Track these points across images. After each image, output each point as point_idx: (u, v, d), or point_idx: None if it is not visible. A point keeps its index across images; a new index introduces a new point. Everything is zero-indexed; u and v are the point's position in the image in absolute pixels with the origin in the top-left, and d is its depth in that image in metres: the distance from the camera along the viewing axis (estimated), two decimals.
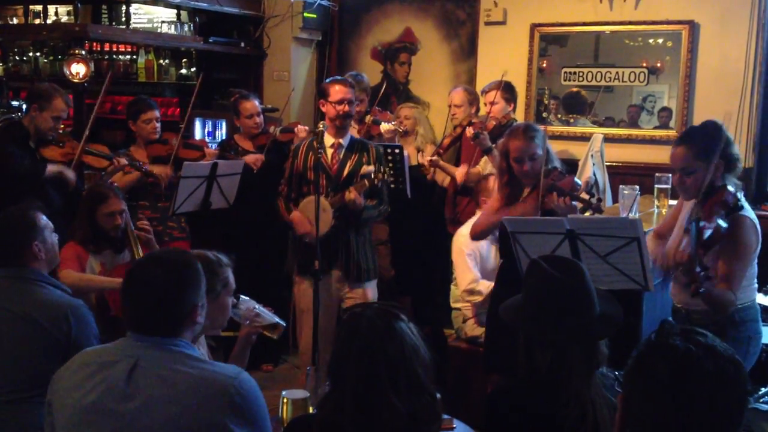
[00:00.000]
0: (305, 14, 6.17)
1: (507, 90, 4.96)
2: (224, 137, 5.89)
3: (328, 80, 4.29)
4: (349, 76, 5.18)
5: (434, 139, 5.40)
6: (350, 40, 6.51)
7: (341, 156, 4.09)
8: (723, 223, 2.83)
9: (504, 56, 5.74)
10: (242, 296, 2.70)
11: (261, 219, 4.74)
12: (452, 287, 4.33)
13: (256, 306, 2.74)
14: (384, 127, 4.95)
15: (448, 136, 5.10)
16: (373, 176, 3.95)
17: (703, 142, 3.01)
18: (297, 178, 4.16)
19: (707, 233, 2.76)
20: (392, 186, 4.52)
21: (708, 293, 2.70)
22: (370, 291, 4.11)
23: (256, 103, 5.03)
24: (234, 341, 2.73)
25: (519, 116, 5.23)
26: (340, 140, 4.11)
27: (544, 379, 2.22)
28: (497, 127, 4.75)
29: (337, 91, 4.09)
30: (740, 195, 3.00)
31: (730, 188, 2.95)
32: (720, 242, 2.84)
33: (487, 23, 5.86)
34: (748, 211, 3.00)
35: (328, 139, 4.11)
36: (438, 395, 1.93)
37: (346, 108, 4.08)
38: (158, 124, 4.62)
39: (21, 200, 3.14)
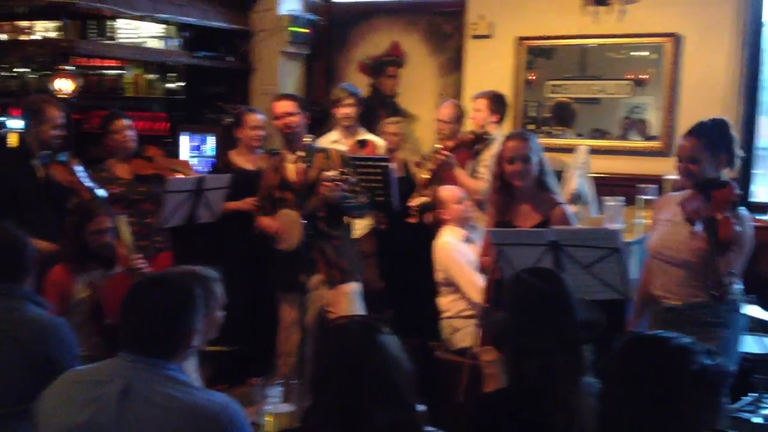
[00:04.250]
0: (292, 28, 6.20)
1: (495, 101, 4.97)
2: (214, 151, 5.89)
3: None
4: (341, 88, 5.23)
5: (420, 153, 5.43)
6: (338, 54, 6.54)
7: (303, 166, 4.12)
8: (738, 227, 2.95)
9: (491, 69, 5.79)
10: None
11: (246, 233, 4.74)
12: (441, 298, 4.33)
13: None
14: (378, 144, 5.02)
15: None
16: (337, 178, 3.97)
17: (713, 136, 3.18)
18: (268, 195, 4.25)
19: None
20: (379, 199, 4.54)
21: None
22: (350, 288, 4.10)
23: (262, 117, 5.00)
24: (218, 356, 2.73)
25: (506, 129, 5.25)
26: (299, 152, 4.15)
27: (531, 387, 2.25)
28: (470, 141, 4.78)
29: (278, 107, 4.20)
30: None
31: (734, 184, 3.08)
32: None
33: (474, 37, 5.90)
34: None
35: (289, 156, 4.19)
36: (421, 408, 1.95)
37: (286, 121, 4.17)
38: (131, 133, 4.57)
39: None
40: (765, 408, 3.69)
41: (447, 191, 4.39)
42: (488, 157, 4.58)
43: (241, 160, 4.91)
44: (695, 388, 1.57)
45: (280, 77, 6.32)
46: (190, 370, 2.44)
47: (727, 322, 3.11)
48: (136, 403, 1.94)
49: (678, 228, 3.12)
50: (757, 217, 4.97)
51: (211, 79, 6.44)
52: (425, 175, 4.79)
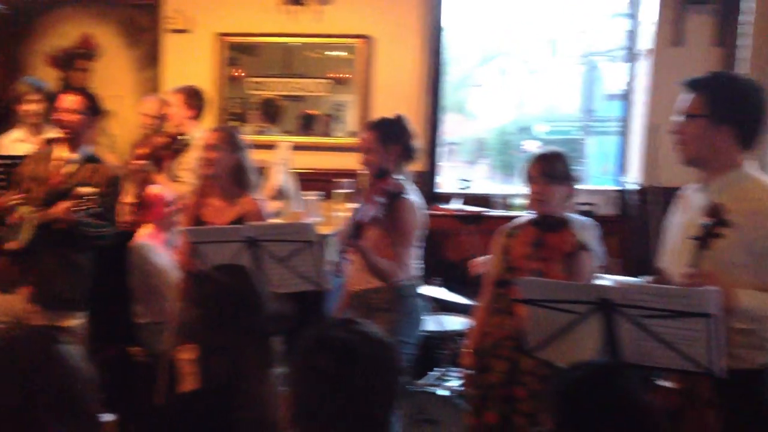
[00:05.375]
0: None
1: (191, 96, 4.87)
2: None
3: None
4: (25, 82, 4.82)
5: (113, 148, 5.18)
6: (23, 46, 6.03)
7: (67, 170, 3.78)
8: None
9: (191, 65, 5.68)
10: None
11: None
12: (138, 303, 4.16)
13: None
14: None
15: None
16: (87, 198, 3.57)
17: (387, 129, 3.39)
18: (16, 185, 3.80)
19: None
20: None
21: None
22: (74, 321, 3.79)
23: None
24: None
25: (208, 126, 5.17)
26: (73, 154, 3.80)
27: (221, 384, 2.24)
28: (164, 145, 4.66)
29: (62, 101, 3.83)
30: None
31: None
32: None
33: (172, 31, 5.75)
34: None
35: (61, 151, 3.81)
36: (109, 417, 1.86)
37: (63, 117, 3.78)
38: None
39: None
40: (449, 381, 4.04)
41: (155, 191, 4.23)
42: (189, 159, 4.50)
43: None
44: (374, 372, 1.62)
45: None
46: None
47: (396, 307, 3.28)
48: None
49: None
50: (441, 206, 5.44)
51: None
52: (131, 200, 4.53)
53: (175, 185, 4.54)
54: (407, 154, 3.40)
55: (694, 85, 2.51)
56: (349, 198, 4.72)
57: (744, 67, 4.86)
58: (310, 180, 5.21)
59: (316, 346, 1.68)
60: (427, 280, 3.65)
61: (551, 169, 2.94)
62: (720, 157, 2.47)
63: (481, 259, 3.23)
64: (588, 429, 1.58)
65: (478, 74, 7.72)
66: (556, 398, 1.64)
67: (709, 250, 2.30)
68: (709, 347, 2.10)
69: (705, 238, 2.31)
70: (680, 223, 2.60)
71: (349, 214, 3.44)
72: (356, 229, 3.14)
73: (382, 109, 5.46)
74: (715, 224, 2.30)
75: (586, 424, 1.58)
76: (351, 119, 5.66)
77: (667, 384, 2.35)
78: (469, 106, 7.82)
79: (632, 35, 5.55)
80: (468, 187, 5.74)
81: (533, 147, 6.52)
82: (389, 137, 3.36)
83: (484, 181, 6.79)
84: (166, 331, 4.03)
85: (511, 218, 3.20)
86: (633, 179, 5.40)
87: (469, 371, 3.06)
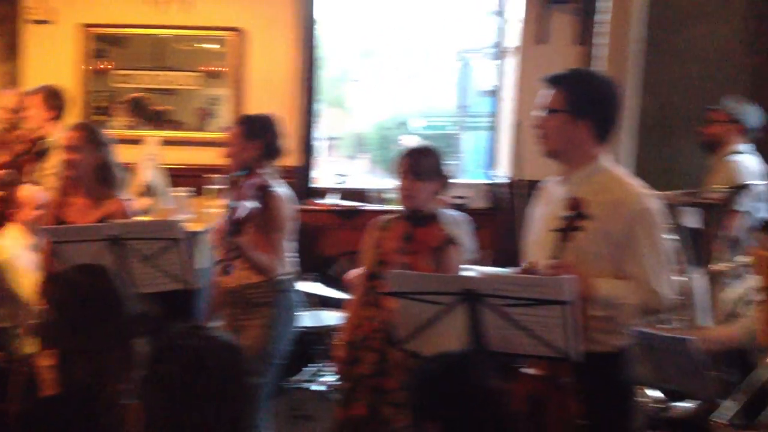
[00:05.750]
0: None
1: (51, 96, 4.61)
2: None
3: None
4: None
5: None
6: None
7: None
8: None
9: (53, 57, 5.45)
10: None
11: None
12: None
13: None
14: None
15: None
16: None
17: (252, 126, 3.39)
18: None
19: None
20: None
21: None
22: None
23: None
24: None
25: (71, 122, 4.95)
26: None
27: (82, 388, 2.16)
28: (25, 152, 4.45)
29: None
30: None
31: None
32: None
33: (32, 21, 5.48)
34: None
35: None
36: None
37: None
38: None
39: None
40: (324, 376, 4.04)
41: (28, 192, 4.01)
42: (52, 165, 4.30)
43: None
44: (223, 377, 1.60)
45: None
46: None
47: (275, 301, 3.31)
48: None
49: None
50: (317, 201, 5.44)
51: None
52: None
53: (40, 192, 4.33)
54: (271, 151, 3.41)
55: (554, 81, 2.60)
56: (220, 194, 4.63)
57: (601, 64, 5.10)
58: (181, 176, 5.08)
59: (162, 355, 1.64)
60: (304, 275, 3.64)
61: (419, 166, 2.99)
62: (579, 150, 2.57)
63: (354, 271, 3.28)
64: (442, 418, 1.61)
65: (356, 69, 7.75)
66: (411, 390, 1.67)
67: (570, 241, 2.40)
68: (566, 333, 2.18)
69: (566, 230, 2.41)
70: (542, 215, 2.69)
71: (221, 211, 3.38)
72: (235, 227, 3.11)
73: (257, 103, 5.41)
74: (575, 217, 2.40)
75: (440, 414, 1.61)
76: (226, 114, 5.55)
77: (531, 371, 2.43)
78: (348, 101, 7.84)
79: (501, 33, 5.70)
80: (344, 182, 5.76)
81: (410, 142, 6.60)
82: (252, 133, 3.37)
83: (362, 175, 6.83)
84: (25, 335, 3.85)
85: (386, 212, 3.23)
86: (502, 173, 5.56)
87: (341, 364, 3.08)
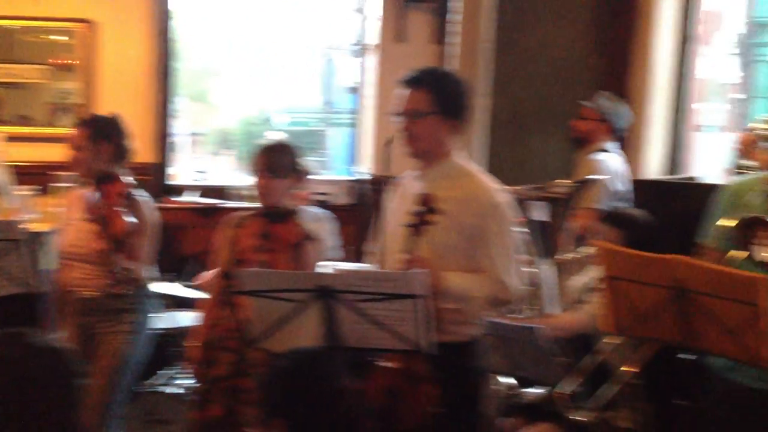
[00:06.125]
0: None
1: None
2: None
3: None
4: None
5: None
6: None
7: None
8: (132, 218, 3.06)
9: None
10: None
11: None
12: None
13: None
14: None
15: None
16: None
17: (97, 127, 3.27)
18: None
19: None
20: None
21: None
22: None
23: None
24: None
25: None
26: None
27: None
28: None
29: None
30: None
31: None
32: None
33: None
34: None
35: None
36: None
37: None
38: None
39: None
40: (179, 378, 3.95)
41: None
42: None
43: None
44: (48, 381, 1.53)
45: None
46: None
47: (138, 308, 3.25)
48: None
49: (82, 226, 3.14)
50: (173, 198, 5.30)
51: None
52: None
53: None
54: (120, 153, 3.30)
55: (415, 82, 2.63)
56: (68, 195, 4.43)
57: (455, 63, 5.23)
58: (28, 174, 4.82)
59: None
60: (161, 275, 3.54)
61: (274, 163, 2.99)
62: (440, 148, 2.63)
63: (207, 273, 3.22)
64: (289, 416, 1.61)
65: (219, 64, 7.60)
66: (261, 388, 1.66)
67: (421, 236, 2.46)
68: (417, 325, 2.24)
69: (417, 225, 2.46)
70: (396, 210, 2.73)
71: (76, 215, 3.22)
72: (118, 244, 3.00)
73: (111, 98, 5.22)
74: (426, 212, 2.46)
75: (286, 412, 1.61)
76: (77, 109, 5.31)
77: (387, 364, 2.46)
78: (212, 97, 7.69)
79: (362, 30, 5.75)
80: (204, 179, 5.64)
81: (274, 138, 6.55)
82: (101, 136, 3.27)
83: (224, 172, 6.71)
84: None
85: (242, 210, 3.19)
86: (366, 169, 5.61)
87: (196, 365, 3.03)
